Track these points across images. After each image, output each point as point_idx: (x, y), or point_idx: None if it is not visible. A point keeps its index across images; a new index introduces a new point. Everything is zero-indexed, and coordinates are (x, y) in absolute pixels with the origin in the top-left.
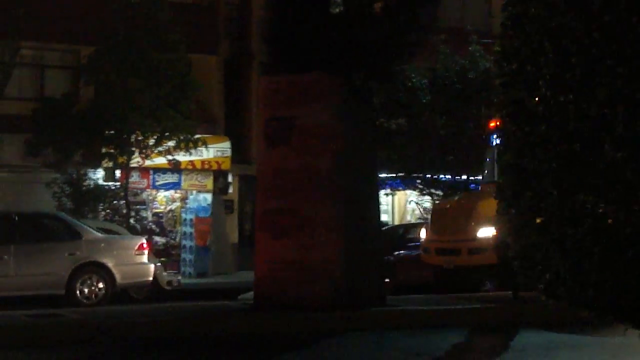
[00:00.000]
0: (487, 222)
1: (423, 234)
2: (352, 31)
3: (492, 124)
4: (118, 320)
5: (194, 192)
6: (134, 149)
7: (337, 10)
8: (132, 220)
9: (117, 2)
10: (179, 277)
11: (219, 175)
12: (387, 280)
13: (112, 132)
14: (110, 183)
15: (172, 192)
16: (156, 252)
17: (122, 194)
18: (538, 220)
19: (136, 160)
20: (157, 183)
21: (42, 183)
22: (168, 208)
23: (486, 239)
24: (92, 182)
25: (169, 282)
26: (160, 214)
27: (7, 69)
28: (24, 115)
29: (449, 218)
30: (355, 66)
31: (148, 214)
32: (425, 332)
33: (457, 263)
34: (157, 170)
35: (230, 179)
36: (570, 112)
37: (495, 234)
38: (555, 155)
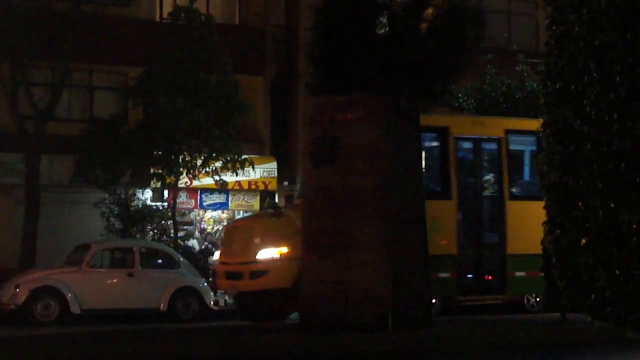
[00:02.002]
0: (269, 242)
1: (216, 256)
2: (397, 52)
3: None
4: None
5: (241, 212)
6: (181, 169)
7: (383, 31)
8: (180, 241)
9: (166, 24)
10: (226, 297)
11: (265, 195)
12: (433, 300)
13: (160, 152)
14: (158, 203)
15: (219, 212)
16: (202, 273)
17: (170, 214)
18: (583, 241)
19: (184, 181)
20: (205, 203)
21: (90, 203)
22: (215, 228)
23: (268, 261)
24: (140, 202)
25: (216, 302)
26: (208, 234)
27: (57, 90)
28: (73, 136)
29: (234, 239)
30: (401, 86)
31: (197, 235)
32: (474, 354)
33: (240, 288)
34: (205, 190)
35: (276, 199)
36: (614, 131)
37: (279, 254)
38: (601, 174)
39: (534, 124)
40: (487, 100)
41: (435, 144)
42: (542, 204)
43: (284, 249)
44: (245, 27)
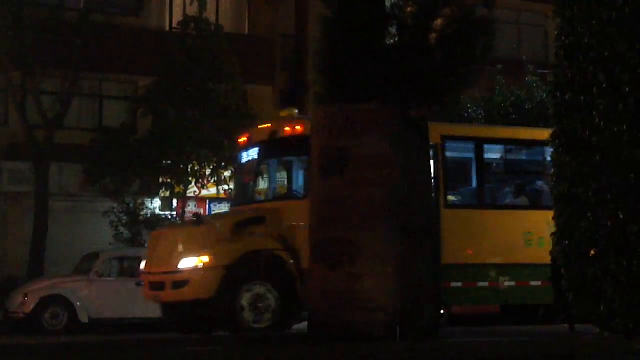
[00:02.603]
0: (191, 251)
1: (143, 265)
2: (406, 62)
3: (242, 140)
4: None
5: None
6: (190, 178)
7: (392, 41)
8: None
9: (175, 34)
10: None
11: None
12: (442, 311)
13: (169, 162)
14: (167, 212)
15: None
16: None
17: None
18: (592, 252)
19: (193, 190)
20: (214, 212)
21: (99, 212)
22: None
23: (189, 271)
24: (149, 212)
25: None
26: None
27: (67, 99)
28: (82, 145)
29: (157, 248)
30: (410, 96)
31: None
32: None
33: (162, 299)
34: (214, 199)
35: None
36: (624, 143)
37: (201, 264)
38: (610, 185)
39: (473, 130)
40: (496, 111)
41: None
42: (480, 212)
43: (206, 258)
44: (254, 37)
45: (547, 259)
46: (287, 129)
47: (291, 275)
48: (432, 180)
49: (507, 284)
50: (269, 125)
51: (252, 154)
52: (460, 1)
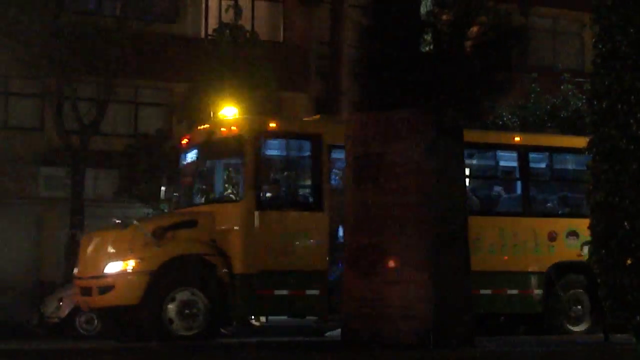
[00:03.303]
0: (116, 255)
1: (75, 270)
2: (442, 69)
3: (184, 141)
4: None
5: None
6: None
7: (427, 48)
8: None
9: (211, 41)
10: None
11: None
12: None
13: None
14: None
15: None
16: None
17: None
18: (629, 261)
19: None
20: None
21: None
22: None
23: (114, 275)
24: None
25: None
26: None
27: (102, 105)
28: (118, 151)
29: (86, 251)
30: (445, 104)
31: None
32: None
33: (91, 304)
34: None
35: None
36: None
37: (126, 268)
38: None
39: None
40: (531, 119)
41: (307, 152)
42: None
43: (131, 263)
44: (289, 44)
45: (498, 266)
46: (223, 129)
47: (222, 281)
48: None
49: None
50: (207, 126)
51: (191, 155)
52: (496, 9)
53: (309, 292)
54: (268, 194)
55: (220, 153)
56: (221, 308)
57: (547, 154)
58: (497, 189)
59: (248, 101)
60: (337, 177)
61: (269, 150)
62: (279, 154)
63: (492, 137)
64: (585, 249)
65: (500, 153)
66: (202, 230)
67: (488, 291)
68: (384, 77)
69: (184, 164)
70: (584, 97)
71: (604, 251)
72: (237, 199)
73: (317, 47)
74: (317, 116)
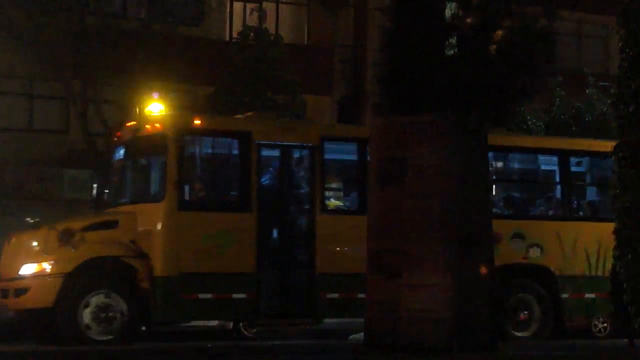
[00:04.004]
0: (31, 257)
1: None
2: (466, 72)
3: (115, 138)
4: None
5: None
6: None
7: (452, 51)
8: None
9: (235, 43)
10: None
11: None
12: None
13: None
14: None
15: None
16: None
17: None
18: None
19: None
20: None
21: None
22: None
23: (29, 277)
24: None
25: None
26: None
27: (127, 108)
28: None
29: (6, 252)
30: (469, 107)
31: None
32: None
33: (9, 307)
34: None
35: None
36: None
37: (40, 270)
38: None
39: (355, 130)
40: (556, 123)
41: (235, 150)
42: (362, 218)
43: (46, 265)
44: (313, 47)
45: None
46: (147, 127)
47: (141, 284)
48: (310, 184)
49: None
50: (134, 123)
51: (118, 153)
52: (521, 12)
53: (235, 295)
54: (192, 194)
55: (145, 151)
56: (141, 312)
57: (495, 152)
58: None
59: (271, 104)
60: (268, 176)
61: (193, 149)
62: (204, 152)
63: None
64: (532, 251)
65: None
66: (122, 231)
67: None
68: (408, 80)
69: (113, 162)
70: (609, 100)
71: (630, 256)
72: (160, 198)
73: (341, 50)
74: (250, 113)
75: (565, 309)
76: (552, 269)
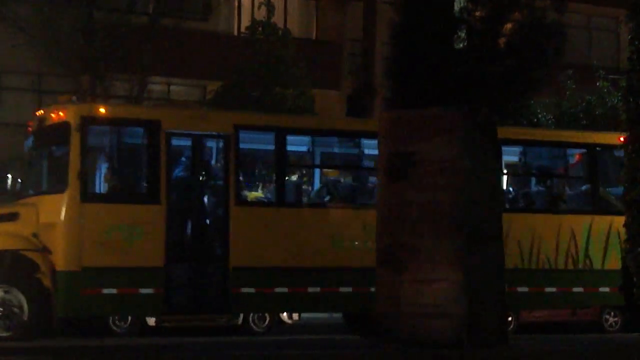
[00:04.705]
0: None
1: None
2: (475, 66)
3: (30, 124)
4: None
5: None
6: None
7: (461, 45)
8: None
9: (243, 38)
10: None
11: None
12: (510, 318)
13: None
14: None
15: None
16: None
17: None
18: None
19: None
20: None
21: None
22: None
23: None
24: None
25: (290, 316)
26: None
27: (136, 102)
28: None
29: None
30: (478, 101)
31: None
32: None
33: None
34: None
35: None
36: None
37: None
38: None
39: (269, 119)
40: (566, 116)
41: (143, 140)
42: (279, 210)
43: None
44: (322, 42)
45: (360, 262)
46: (52, 115)
47: (42, 278)
48: (223, 175)
49: (311, 289)
50: (42, 112)
51: (28, 143)
52: (531, 5)
53: (143, 290)
54: (96, 185)
55: (49, 141)
56: (42, 308)
57: None
58: (362, 179)
59: (279, 98)
60: (179, 167)
61: (98, 138)
62: (110, 142)
63: (362, 124)
64: None
65: (366, 141)
66: (23, 223)
67: (349, 289)
68: (417, 74)
69: (25, 152)
70: (620, 94)
71: (639, 250)
72: (62, 190)
73: (350, 44)
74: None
75: None
76: None
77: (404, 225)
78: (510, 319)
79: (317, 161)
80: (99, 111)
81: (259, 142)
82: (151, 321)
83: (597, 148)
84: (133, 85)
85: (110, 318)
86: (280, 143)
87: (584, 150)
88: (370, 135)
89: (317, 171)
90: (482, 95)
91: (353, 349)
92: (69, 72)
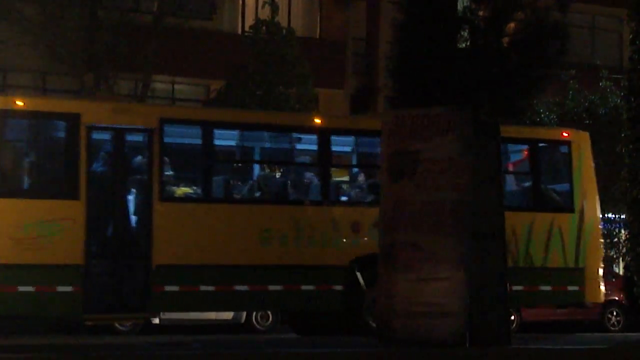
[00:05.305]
0: None
1: None
2: (478, 65)
3: None
4: None
5: None
6: None
7: (464, 44)
8: None
9: (247, 37)
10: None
11: None
12: (512, 317)
13: None
14: None
15: None
16: None
17: None
18: None
19: None
20: None
21: None
22: None
23: None
24: None
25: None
26: None
27: (139, 101)
28: None
29: None
30: (481, 100)
31: None
32: None
33: None
34: None
35: None
36: None
37: None
38: None
39: (196, 113)
40: (569, 116)
41: (62, 134)
42: (205, 206)
43: None
44: (325, 41)
45: (290, 259)
46: None
47: None
48: (147, 170)
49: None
50: None
51: None
52: (534, 5)
53: (60, 288)
54: (12, 180)
55: None
56: None
57: (353, 137)
58: (294, 175)
59: (283, 97)
60: (100, 162)
61: (14, 131)
62: (27, 135)
63: (293, 119)
64: None
65: (298, 135)
66: None
67: (279, 287)
68: (420, 73)
69: None
70: (622, 93)
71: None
72: None
73: (354, 43)
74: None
75: None
76: None
77: (407, 223)
78: (512, 318)
79: (246, 156)
80: (16, 104)
81: (186, 137)
82: (155, 319)
83: (540, 144)
84: (137, 84)
85: None
86: (207, 137)
87: (526, 146)
88: (302, 130)
89: (246, 167)
90: (485, 94)
91: (354, 348)
92: (73, 71)
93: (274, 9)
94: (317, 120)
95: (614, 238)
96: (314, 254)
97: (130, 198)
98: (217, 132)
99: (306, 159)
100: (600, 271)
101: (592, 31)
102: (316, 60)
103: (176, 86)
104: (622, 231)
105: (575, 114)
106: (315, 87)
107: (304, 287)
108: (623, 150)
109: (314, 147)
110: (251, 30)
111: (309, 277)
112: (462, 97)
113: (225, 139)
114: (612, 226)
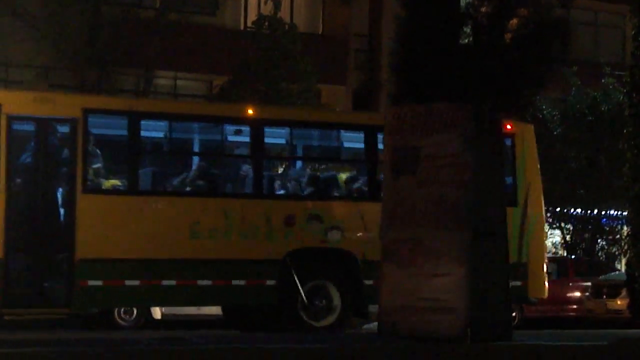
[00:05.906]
0: None
1: None
2: (481, 62)
3: None
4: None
5: None
6: None
7: (466, 40)
8: None
9: (250, 33)
10: None
11: None
12: (514, 314)
13: None
14: None
15: None
16: None
17: None
18: None
19: None
20: None
21: None
22: None
23: None
24: None
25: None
26: None
27: (142, 96)
28: None
29: None
30: (484, 97)
31: None
32: None
33: None
34: None
35: None
36: None
37: None
38: None
39: (121, 103)
40: (572, 112)
41: None
42: (131, 198)
43: None
44: (328, 37)
45: (220, 253)
46: None
47: None
48: (70, 161)
49: (165, 282)
50: None
51: None
52: (537, 1)
53: None
54: None
55: None
56: None
57: (288, 128)
58: (224, 167)
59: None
60: (21, 153)
61: None
62: None
63: (223, 110)
64: (330, 235)
65: (229, 126)
66: None
67: (208, 282)
68: (423, 69)
69: None
70: (624, 89)
71: None
72: None
73: (356, 39)
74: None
75: (368, 296)
76: (354, 253)
77: (409, 220)
78: (514, 314)
79: (174, 148)
80: None
81: (110, 127)
82: (157, 314)
83: (378, 132)
84: (139, 80)
85: (115, 311)
86: (133, 128)
87: (362, 133)
88: (234, 121)
89: (174, 158)
90: (487, 90)
91: (355, 344)
92: (75, 66)
93: (277, 5)
94: (250, 111)
95: (616, 235)
96: (245, 247)
97: (53, 190)
98: (143, 122)
99: (238, 150)
100: (545, 266)
101: (595, 27)
102: (319, 56)
103: (179, 82)
104: (624, 228)
105: (578, 111)
106: (318, 83)
107: (234, 282)
108: (625, 147)
109: (247, 139)
110: (254, 26)
111: (240, 271)
112: (464, 93)
113: (153, 130)
114: (614, 223)
